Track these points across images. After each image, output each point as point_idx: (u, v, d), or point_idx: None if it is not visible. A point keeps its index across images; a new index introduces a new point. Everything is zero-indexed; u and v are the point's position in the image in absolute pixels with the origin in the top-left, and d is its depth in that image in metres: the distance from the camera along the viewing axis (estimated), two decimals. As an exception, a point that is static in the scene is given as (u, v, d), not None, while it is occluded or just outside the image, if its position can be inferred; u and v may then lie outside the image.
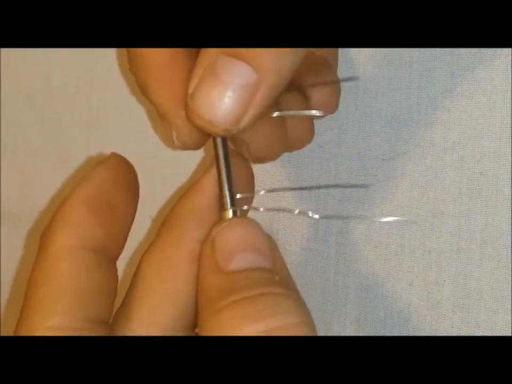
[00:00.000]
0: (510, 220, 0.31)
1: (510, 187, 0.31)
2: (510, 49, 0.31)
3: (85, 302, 0.23)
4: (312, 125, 0.31)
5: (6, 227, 0.45)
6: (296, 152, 0.31)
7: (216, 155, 0.26)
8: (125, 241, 0.26)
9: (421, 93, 0.32)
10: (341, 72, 0.33)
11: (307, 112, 0.29)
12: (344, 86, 0.32)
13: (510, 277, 0.31)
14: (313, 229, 0.35)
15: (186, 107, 0.24)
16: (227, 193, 0.25)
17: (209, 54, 0.23)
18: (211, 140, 0.26)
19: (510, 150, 0.31)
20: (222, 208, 0.26)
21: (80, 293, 0.23)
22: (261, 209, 0.27)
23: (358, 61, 0.34)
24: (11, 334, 0.24)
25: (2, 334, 0.43)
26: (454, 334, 0.32)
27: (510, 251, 0.31)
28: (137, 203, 0.26)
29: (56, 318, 0.23)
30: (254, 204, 0.28)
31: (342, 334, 0.34)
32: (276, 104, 0.28)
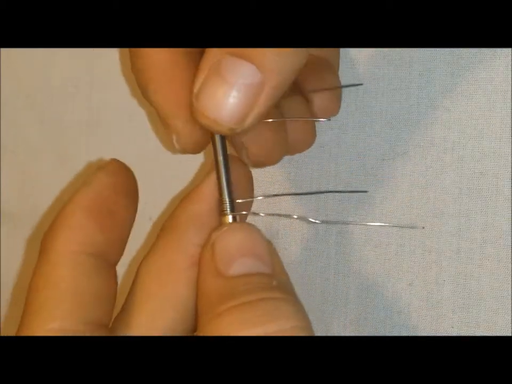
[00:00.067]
0: (510, 219, 0.31)
1: (510, 187, 0.31)
2: (510, 49, 0.31)
3: (85, 306, 0.24)
4: (314, 128, 0.31)
5: (6, 227, 0.45)
6: (296, 152, 0.31)
7: (216, 160, 0.26)
8: (125, 246, 0.26)
9: (421, 93, 0.32)
10: (342, 72, 0.33)
11: (309, 118, 0.29)
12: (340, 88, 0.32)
13: (510, 277, 0.31)
14: (313, 229, 0.35)
15: (191, 106, 0.24)
16: (227, 198, 0.26)
17: (214, 54, 0.24)
18: (211, 144, 0.26)
19: (510, 150, 0.31)
20: (221, 213, 0.26)
21: (80, 297, 0.24)
22: (262, 214, 0.27)
23: (358, 61, 0.34)
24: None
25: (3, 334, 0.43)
26: (454, 334, 0.32)
27: (510, 251, 0.31)
28: (136, 208, 0.26)
29: (56, 322, 0.23)
30: (255, 205, 0.28)
31: (342, 334, 0.34)
32: (277, 108, 0.28)
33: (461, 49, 0.31)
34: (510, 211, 0.31)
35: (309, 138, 0.30)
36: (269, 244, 0.25)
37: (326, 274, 0.35)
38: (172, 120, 0.26)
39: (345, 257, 0.34)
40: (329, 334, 0.35)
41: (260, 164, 0.28)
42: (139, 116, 0.40)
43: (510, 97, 0.31)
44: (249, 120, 0.24)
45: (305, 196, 0.35)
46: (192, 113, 0.25)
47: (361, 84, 0.33)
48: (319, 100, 0.30)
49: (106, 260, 0.25)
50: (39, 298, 0.24)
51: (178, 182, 0.39)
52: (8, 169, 0.44)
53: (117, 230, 0.25)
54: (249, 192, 0.28)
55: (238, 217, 0.26)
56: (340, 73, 0.33)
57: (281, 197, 0.36)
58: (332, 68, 0.32)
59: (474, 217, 0.32)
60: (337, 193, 0.35)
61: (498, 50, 0.31)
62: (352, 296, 0.34)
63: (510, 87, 0.31)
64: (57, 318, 0.23)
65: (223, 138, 0.26)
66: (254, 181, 0.28)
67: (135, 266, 0.27)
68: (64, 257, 0.24)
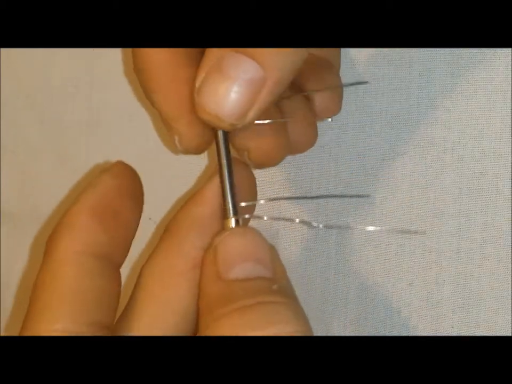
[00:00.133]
0: (510, 219, 0.31)
1: (510, 187, 0.31)
2: (510, 49, 0.31)
3: (88, 307, 0.24)
4: (315, 128, 0.31)
5: (6, 227, 0.45)
6: (296, 152, 0.31)
7: (219, 163, 0.26)
8: (129, 248, 0.26)
9: (421, 93, 0.32)
10: (342, 72, 0.33)
11: (311, 118, 0.29)
12: (344, 86, 0.32)
13: (510, 277, 0.31)
14: (314, 229, 0.35)
15: (193, 102, 0.24)
16: (230, 202, 0.26)
17: (216, 50, 0.24)
18: (213, 146, 0.26)
19: (510, 150, 0.31)
20: (224, 216, 0.26)
21: (83, 298, 0.24)
22: (265, 218, 0.27)
23: (358, 61, 0.34)
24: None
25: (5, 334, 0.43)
26: (454, 334, 0.32)
27: (510, 251, 0.31)
28: (141, 211, 0.26)
29: (59, 324, 0.23)
30: (256, 207, 0.28)
31: (342, 334, 0.34)
32: (279, 109, 0.28)
33: (461, 49, 0.31)
34: (510, 211, 0.31)
35: (311, 139, 0.30)
36: (271, 248, 0.25)
37: (326, 274, 0.35)
38: (174, 121, 0.26)
39: (345, 257, 0.34)
40: (329, 334, 0.35)
41: (262, 165, 0.28)
42: (139, 115, 0.40)
43: (510, 97, 0.31)
44: (250, 116, 0.24)
45: (305, 195, 0.35)
46: (194, 108, 0.25)
47: (367, 82, 0.33)
48: (320, 100, 0.30)
49: (111, 261, 0.25)
50: (42, 299, 0.24)
51: (179, 181, 0.39)
52: (8, 169, 0.44)
53: (121, 232, 0.25)
54: (253, 195, 0.28)
55: (241, 221, 0.26)
56: (340, 73, 0.33)
57: (282, 196, 0.36)
58: (333, 68, 0.32)
59: (474, 217, 0.32)
60: (337, 193, 0.34)
61: (498, 50, 0.31)
62: (352, 296, 0.34)
63: (510, 87, 0.31)
64: (60, 320, 0.23)
65: (226, 140, 0.26)
66: (256, 189, 0.28)
67: (137, 269, 0.27)
68: (68, 258, 0.24)
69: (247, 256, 0.24)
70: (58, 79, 0.42)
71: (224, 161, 0.26)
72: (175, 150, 0.28)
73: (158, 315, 0.25)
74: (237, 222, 0.26)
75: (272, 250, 0.25)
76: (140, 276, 0.26)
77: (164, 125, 0.27)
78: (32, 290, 0.24)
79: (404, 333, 0.33)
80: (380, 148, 0.33)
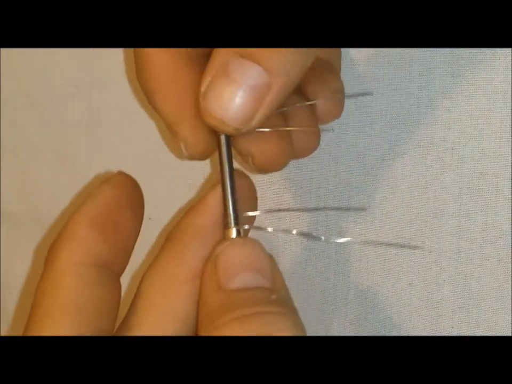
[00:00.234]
0: (510, 219, 0.31)
1: (510, 187, 0.31)
2: (510, 49, 0.31)
3: (88, 317, 0.24)
4: (318, 132, 0.31)
5: (6, 227, 0.45)
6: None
7: (221, 171, 0.26)
8: (129, 258, 0.26)
9: (421, 93, 0.32)
10: (342, 72, 0.33)
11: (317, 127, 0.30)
12: (344, 86, 0.32)
13: (510, 277, 0.31)
14: (314, 229, 0.35)
15: (198, 106, 0.25)
16: (231, 212, 0.26)
17: (222, 54, 0.24)
18: (216, 153, 0.27)
19: (510, 150, 0.31)
20: (225, 226, 0.26)
21: (83, 308, 0.24)
22: (269, 229, 0.27)
23: (358, 61, 0.34)
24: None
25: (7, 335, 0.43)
26: (454, 334, 0.32)
27: (510, 251, 0.31)
28: (142, 220, 0.27)
29: (60, 332, 0.23)
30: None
31: (342, 334, 0.34)
32: (281, 113, 0.28)
33: (461, 49, 0.31)
34: (510, 211, 0.31)
35: (314, 143, 0.30)
36: (270, 258, 0.25)
37: (326, 274, 0.35)
38: (178, 125, 0.27)
39: (345, 257, 0.34)
40: (329, 334, 0.35)
41: (266, 170, 0.29)
42: (139, 116, 0.40)
43: (510, 97, 0.31)
44: (255, 121, 0.24)
45: (305, 196, 0.35)
46: (198, 112, 0.25)
47: (372, 94, 0.33)
48: (322, 103, 0.30)
49: (111, 271, 0.25)
50: (43, 307, 0.24)
51: (179, 181, 0.39)
52: (8, 169, 0.44)
53: (121, 242, 0.25)
54: (253, 205, 0.28)
55: (241, 231, 0.26)
56: (341, 73, 0.33)
57: (282, 198, 0.36)
58: (334, 69, 0.32)
59: (474, 217, 0.32)
60: (336, 194, 0.35)
61: (498, 50, 0.31)
62: (352, 296, 0.34)
63: (510, 87, 0.31)
64: (60, 329, 0.23)
65: (229, 145, 0.26)
66: (254, 181, 0.28)
67: (137, 277, 0.27)
68: (68, 268, 0.24)
69: (247, 266, 0.24)
70: (58, 79, 0.42)
71: (226, 166, 0.26)
72: (180, 156, 0.28)
73: (158, 324, 0.25)
74: (238, 232, 0.26)
75: (272, 261, 0.25)
76: (140, 284, 0.26)
77: (169, 131, 0.27)
78: (34, 296, 0.25)
79: (404, 333, 0.33)
80: (379, 147, 0.33)
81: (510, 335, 0.31)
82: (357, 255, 0.34)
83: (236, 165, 0.27)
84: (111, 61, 0.41)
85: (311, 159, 0.35)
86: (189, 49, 0.27)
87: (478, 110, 0.31)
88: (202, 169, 0.38)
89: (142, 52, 0.27)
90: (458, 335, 0.32)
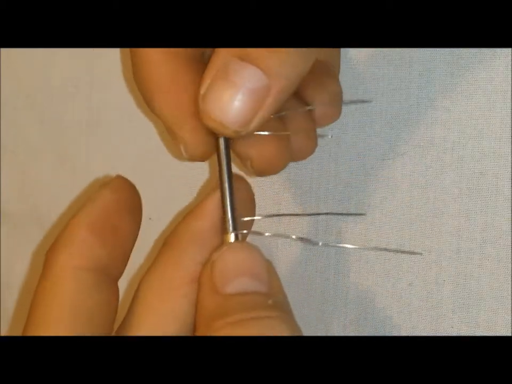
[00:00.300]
0: (510, 219, 0.31)
1: (510, 187, 0.31)
2: (510, 49, 0.31)
3: (85, 321, 0.24)
4: (315, 135, 0.31)
5: (6, 227, 0.45)
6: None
7: (220, 170, 0.26)
8: (127, 261, 0.26)
9: (421, 93, 0.32)
10: (342, 72, 0.33)
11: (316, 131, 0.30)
12: (344, 86, 0.32)
13: (510, 277, 0.31)
14: (313, 229, 0.35)
15: (198, 108, 0.25)
16: (229, 216, 0.26)
17: (222, 56, 0.24)
18: (215, 157, 0.27)
19: (510, 150, 0.31)
20: (224, 231, 0.26)
21: (81, 312, 0.24)
22: (267, 234, 0.27)
23: (358, 61, 0.34)
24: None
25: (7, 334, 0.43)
26: (454, 334, 0.32)
27: (510, 251, 0.31)
28: (140, 225, 0.27)
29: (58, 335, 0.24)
30: (257, 212, 0.28)
31: (342, 334, 0.34)
32: (279, 116, 0.28)
33: (461, 49, 0.31)
34: (510, 211, 0.31)
35: (312, 145, 0.30)
36: (268, 263, 0.25)
37: (326, 274, 0.35)
38: (177, 127, 0.27)
39: (345, 257, 0.34)
40: (329, 334, 0.35)
41: (264, 173, 0.29)
42: (139, 116, 0.40)
43: (510, 97, 0.31)
44: (254, 123, 0.24)
45: (305, 196, 0.35)
46: (198, 114, 0.25)
47: (371, 101, 0.33)
48: (320, 106, 0.30)
49: (109, 275, 0.25)
50: (42, 309, 0.24)
51: (178, 181, 0.39)
52: (8, 169, 0.44)
53: (119, 246, 0.26)
54: (251, 210, 0.28)
55: (240, 236, 0.26)
56: (340, 73, 0.33)
57: (282, 198, 0.36)
58: (332, 71, 0.32)
59: (474, 217, 0.32)
60: (336, 194, 0.35)
61: (498, 50, 0.31)
62: (352, 296, 0.34)
63: (510, 87, 0.31)
64: (59, 332, 0.24)
65: (227, 147, 0.26)
66: (254, 181, 0.28)
67: (135, 281, 0.27)
68: (66, 272, 0.24)
69: (244, 271, 0.24)
70: (58, 79, 0.42)
71: (225, 169, 0.26)
72: (180, 157, 0.28)
73: (156, 328, 0.25)
74: (236, 237, 0.26)
75: (269, 265, 0.25)
76: (138, 288, 0.26)
77: (168, 133, 0.27)
78: (32, 300, 0.25)
79: (404, 333, 0.33)
80: (379, 147, 0.33)
81: (510, 335, 0.31)
82: (356, 255, 0.34)
83: (234, 168, 0.27)
84: (111, 61, 0.41)
85: (311, 159, 0.35)
86: (188, 50, 0.27)
87: (478, 110, 0.31)
88: (202, 169, 0.38)
89: (141, 52, 0.27)
90: (458, 335, 0.32)
